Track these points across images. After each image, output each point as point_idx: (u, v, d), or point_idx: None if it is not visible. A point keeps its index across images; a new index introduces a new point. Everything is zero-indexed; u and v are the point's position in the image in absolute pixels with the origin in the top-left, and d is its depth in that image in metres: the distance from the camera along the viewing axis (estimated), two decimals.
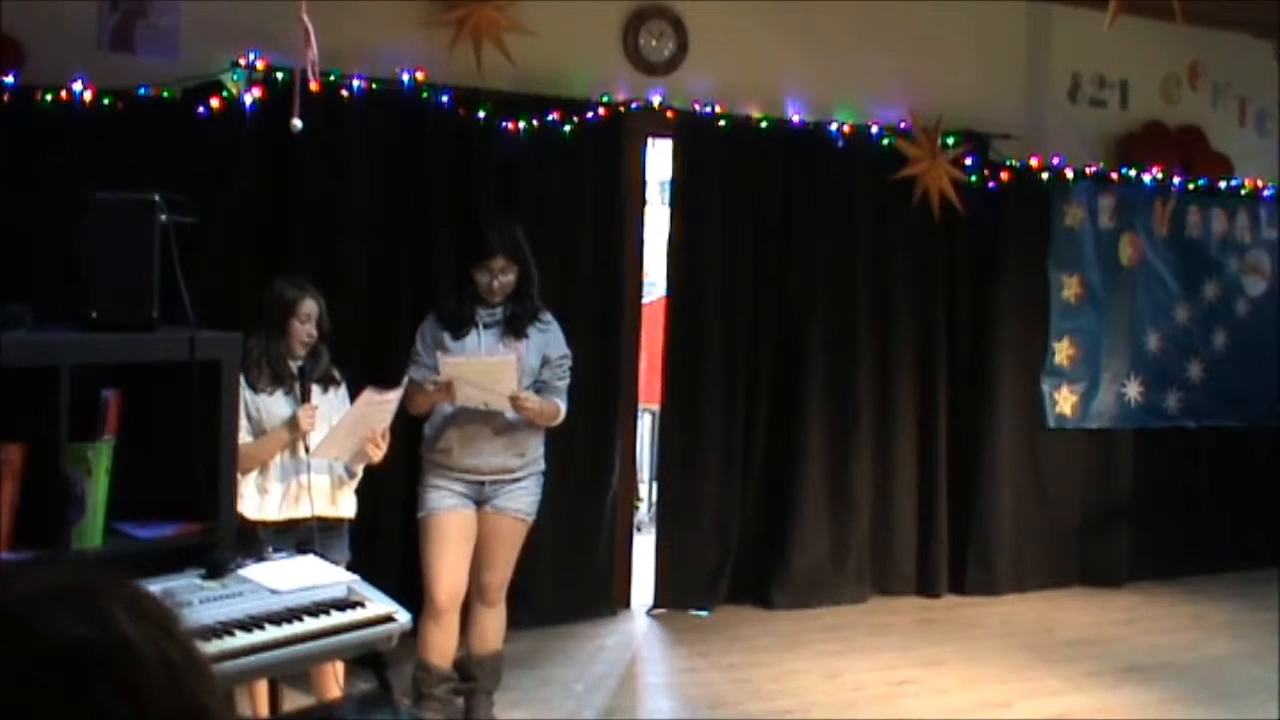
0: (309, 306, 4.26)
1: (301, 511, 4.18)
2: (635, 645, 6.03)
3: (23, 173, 4.89)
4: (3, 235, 4.79)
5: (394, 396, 4.28)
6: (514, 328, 4.53)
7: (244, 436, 4.10)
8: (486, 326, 4.54)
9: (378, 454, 4.29)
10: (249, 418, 4.13)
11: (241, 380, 4.12)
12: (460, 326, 4.54)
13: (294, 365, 4.24)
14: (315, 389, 4.26)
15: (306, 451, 4.17)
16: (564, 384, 4.63)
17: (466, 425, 4.50)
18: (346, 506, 4.34)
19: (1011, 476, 7.11)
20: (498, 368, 4.40)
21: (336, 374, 4.41)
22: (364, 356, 5.26)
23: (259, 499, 4.16)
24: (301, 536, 4.11)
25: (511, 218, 4.86)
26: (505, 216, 5.01)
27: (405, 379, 4.41)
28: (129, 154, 4.97)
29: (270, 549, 3.30)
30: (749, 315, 6.54)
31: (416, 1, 5.76)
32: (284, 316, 4.22)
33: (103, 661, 0.98)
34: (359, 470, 4.35)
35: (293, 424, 4.16)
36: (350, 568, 4.14)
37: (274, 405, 4.19)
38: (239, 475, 4.04)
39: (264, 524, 4.10)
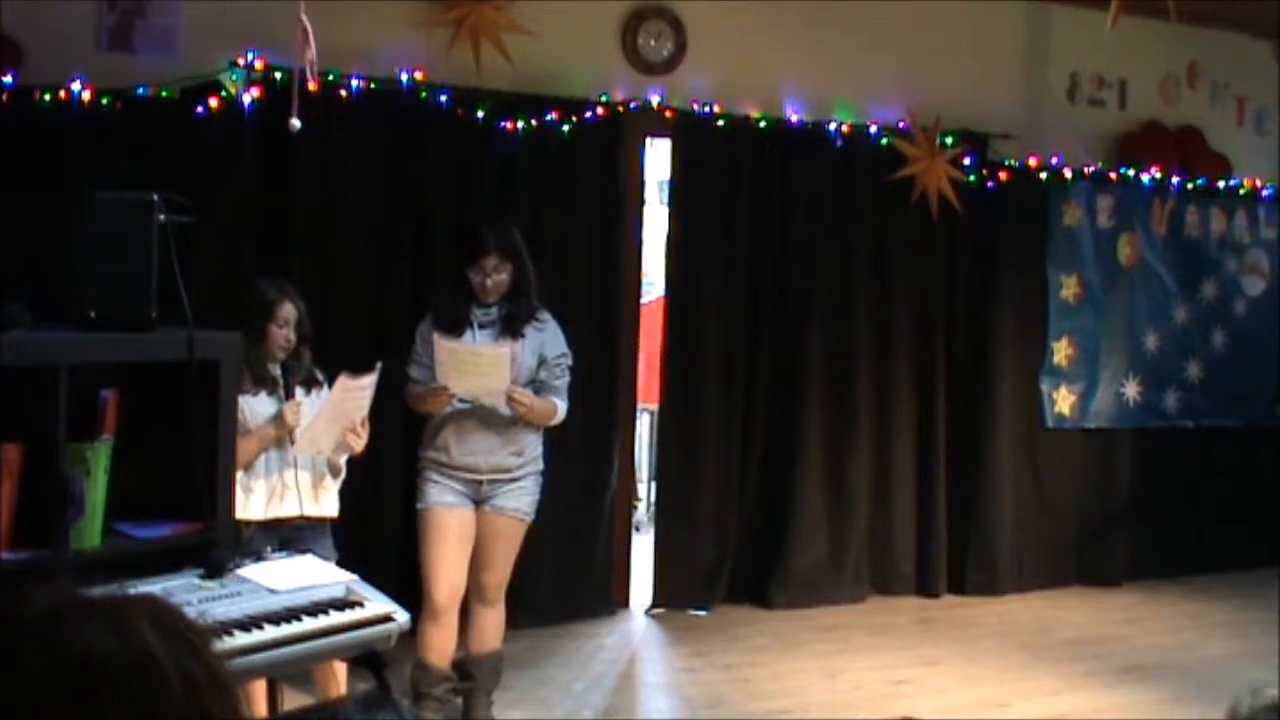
0: (287, 311, 4.25)
1: (286, 510, 4.18)
2: (634, 645, 6.03)
3: (21, 173, 4.88)
4: (1, 235, 4.79)
5: (368, 382, 4.25)
6: (510, 327, 4.52)
7: None
8: (482, 326, 4.53)
9: (359, 444, 4.28)
10: None
11: None
12: (455, 326, 4.52)
13: (274, 369, 4.24)
14: (299, 391, 4.26)
15: (293, 444, 4.17)
16: (562, 383, 4.62)
17: (462, 422, 4.50)
18: (329, 505, 4.32)
19: (1010, 476, 7.11)
20: (491, 359, 4.38)
21: (319, 375, 4.39)
22: (363, 356, 5.24)
23: (243, 498, 4.13)
24: (285, 535, 4.11)
25: (506, 217, 4.85)
26: (500, 216, 5.01)
27: (378, 365, 4.36)
28: (128, 154, 4.97)
29: (269, 549, 3.30)
30: (747, 315, 6.53)
31: (415, 1, 5.76)
32: (262, 320, 4.21)
33: (118, 672, 0.98)
34: (342, 464, 4.33)
35: (278, 421, 4.16)
36: (340, 566, 4.13)
37: (258, 405, 4.19)
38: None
39: (248, 523, 4.10)
